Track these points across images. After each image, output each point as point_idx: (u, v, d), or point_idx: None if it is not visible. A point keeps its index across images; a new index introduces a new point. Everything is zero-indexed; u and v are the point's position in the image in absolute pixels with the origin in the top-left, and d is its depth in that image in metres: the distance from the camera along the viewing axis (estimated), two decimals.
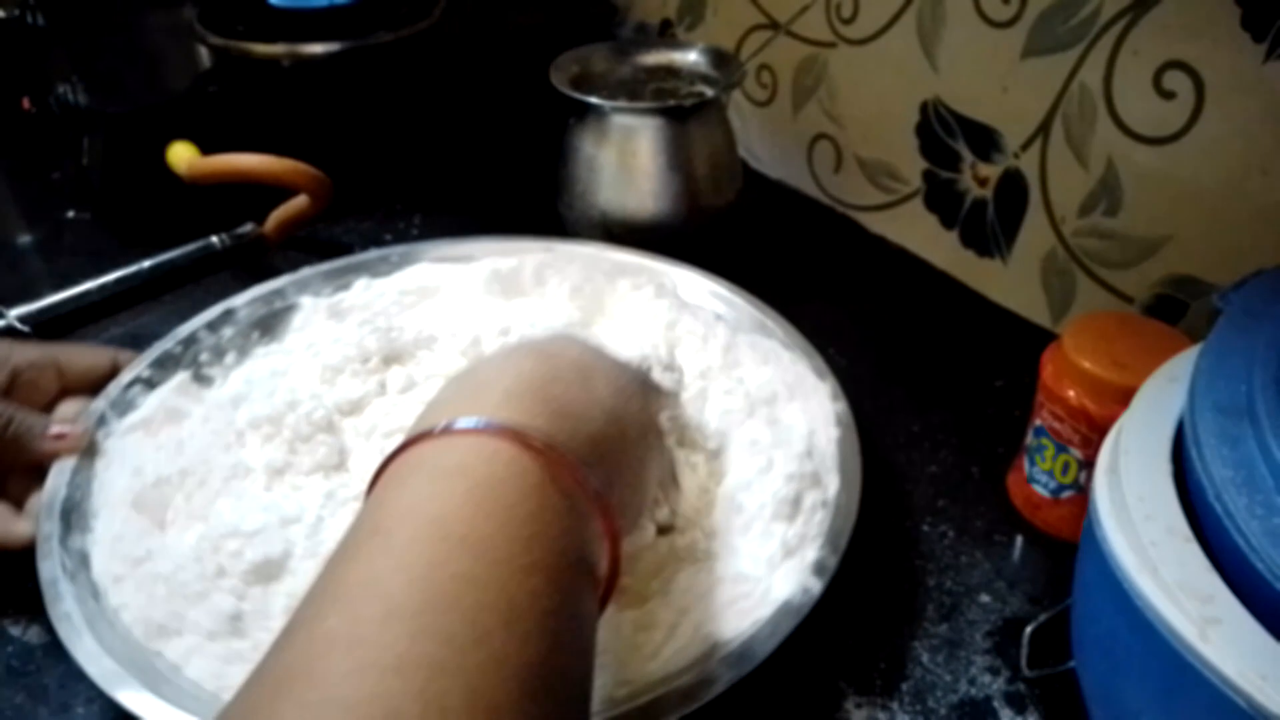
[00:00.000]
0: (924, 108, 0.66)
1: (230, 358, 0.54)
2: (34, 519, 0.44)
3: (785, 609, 0.38)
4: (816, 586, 0.39)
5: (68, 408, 0.49)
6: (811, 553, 0.41)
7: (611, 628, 0.39)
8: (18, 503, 0.46)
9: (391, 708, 0.22)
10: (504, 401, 0.31)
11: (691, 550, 0.42)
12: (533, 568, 0.26)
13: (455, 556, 0.26)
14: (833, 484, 0.44)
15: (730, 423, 0.48)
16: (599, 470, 0.32)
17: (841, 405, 0.48)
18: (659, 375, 0.44)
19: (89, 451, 0.46)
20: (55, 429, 0.46)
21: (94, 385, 0.50)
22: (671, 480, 0.45)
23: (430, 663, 0.23)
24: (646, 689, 0.36)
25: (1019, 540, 0.48)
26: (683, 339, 0.54)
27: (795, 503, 0.43)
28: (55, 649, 0.39)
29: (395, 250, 0.61)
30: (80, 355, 0.51)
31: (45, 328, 0.62)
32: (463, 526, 0.26)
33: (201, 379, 0.53)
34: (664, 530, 0.43)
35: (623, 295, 0.57)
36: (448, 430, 0.30)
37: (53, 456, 0.46)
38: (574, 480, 0.30)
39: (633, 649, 0.38)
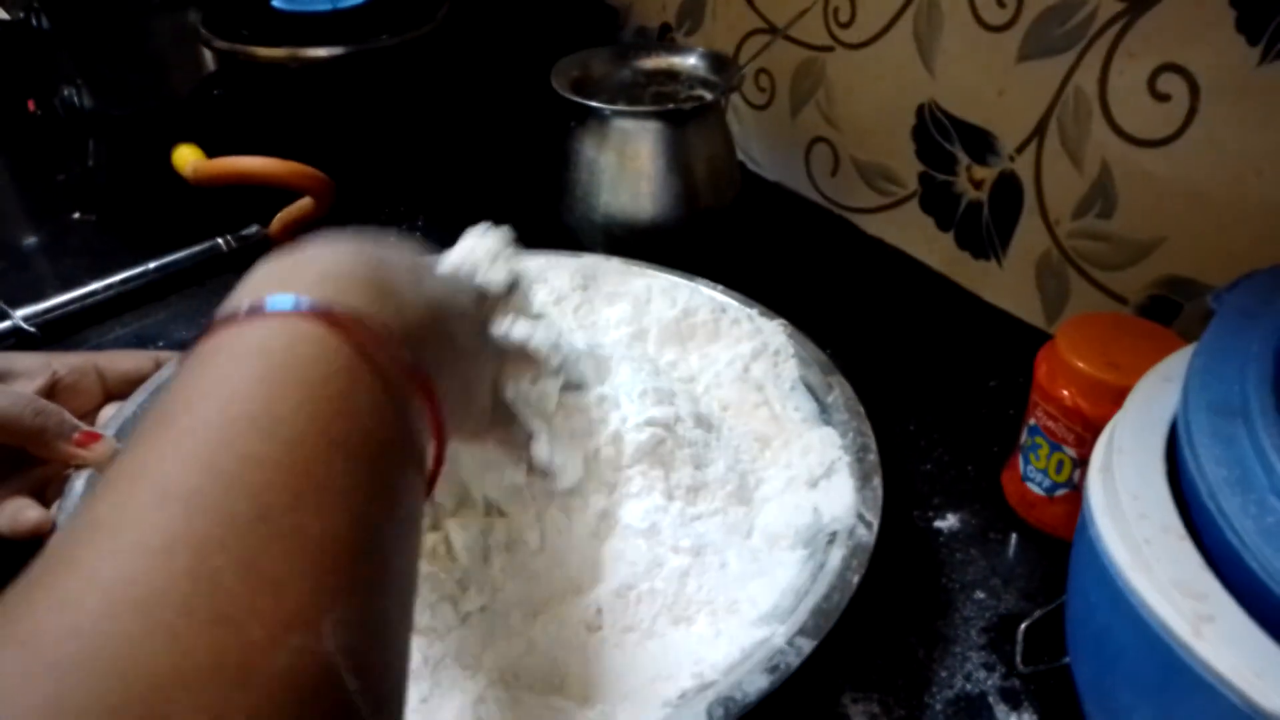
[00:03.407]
0: (920, 111, 0.67)
1: None
2: (47, 513, 0.43)
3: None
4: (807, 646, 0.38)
5: (109, 411, 0.48)
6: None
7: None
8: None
9: (156, 587, 0.21)
10: (319, 281, 0.29)
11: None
12: (333, 446, 0.25)
13: (243, 437, 0.24)
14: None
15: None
16: (422, 351, 0.30)
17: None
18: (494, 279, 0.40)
19: None
20: (82, 431, 0.44)
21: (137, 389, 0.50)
22: (536, 421, 0.41)
23: (203, 541, 0.22)
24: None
25: (1014, 538, 0.49)
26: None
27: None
28: None
29: None
30: (122, 360, 0.50)
31: (51, 328, 0.62)
32: (254, 407, 0.25)
33: None
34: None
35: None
36: (253, 312, 0.28)
37: (75, 460, 0.44)
38: (389, 358, 0.28)
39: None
